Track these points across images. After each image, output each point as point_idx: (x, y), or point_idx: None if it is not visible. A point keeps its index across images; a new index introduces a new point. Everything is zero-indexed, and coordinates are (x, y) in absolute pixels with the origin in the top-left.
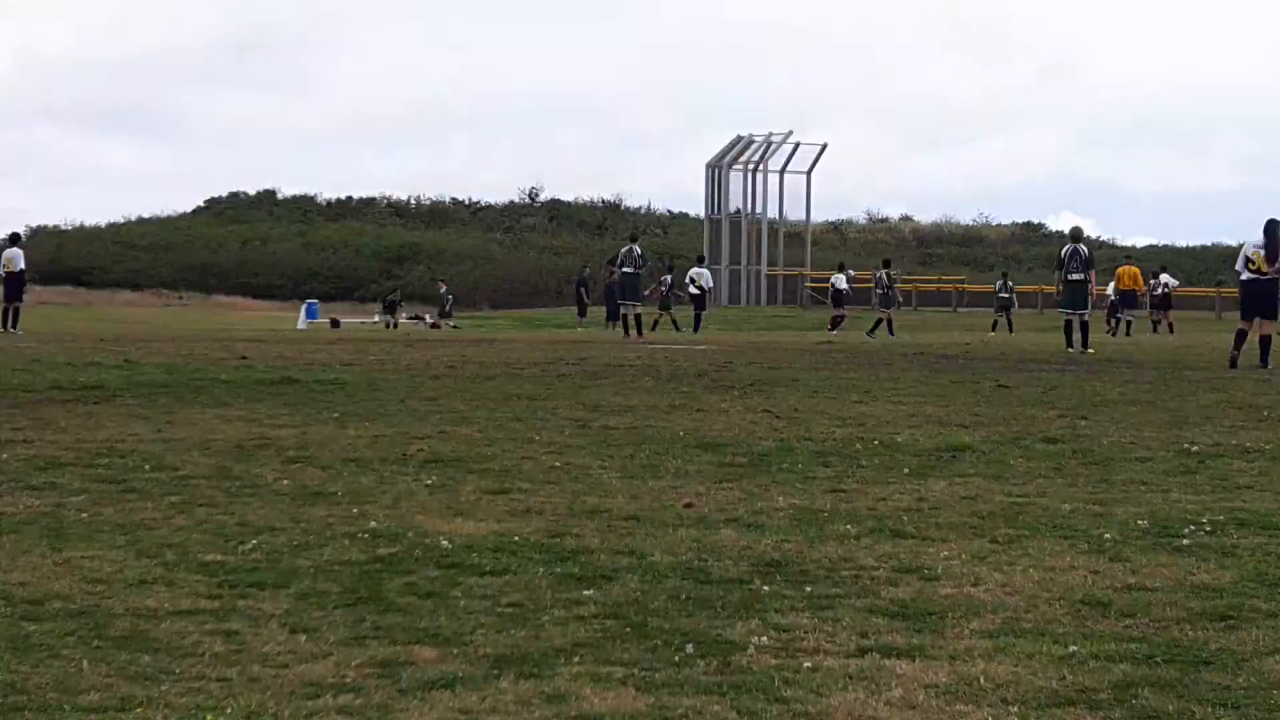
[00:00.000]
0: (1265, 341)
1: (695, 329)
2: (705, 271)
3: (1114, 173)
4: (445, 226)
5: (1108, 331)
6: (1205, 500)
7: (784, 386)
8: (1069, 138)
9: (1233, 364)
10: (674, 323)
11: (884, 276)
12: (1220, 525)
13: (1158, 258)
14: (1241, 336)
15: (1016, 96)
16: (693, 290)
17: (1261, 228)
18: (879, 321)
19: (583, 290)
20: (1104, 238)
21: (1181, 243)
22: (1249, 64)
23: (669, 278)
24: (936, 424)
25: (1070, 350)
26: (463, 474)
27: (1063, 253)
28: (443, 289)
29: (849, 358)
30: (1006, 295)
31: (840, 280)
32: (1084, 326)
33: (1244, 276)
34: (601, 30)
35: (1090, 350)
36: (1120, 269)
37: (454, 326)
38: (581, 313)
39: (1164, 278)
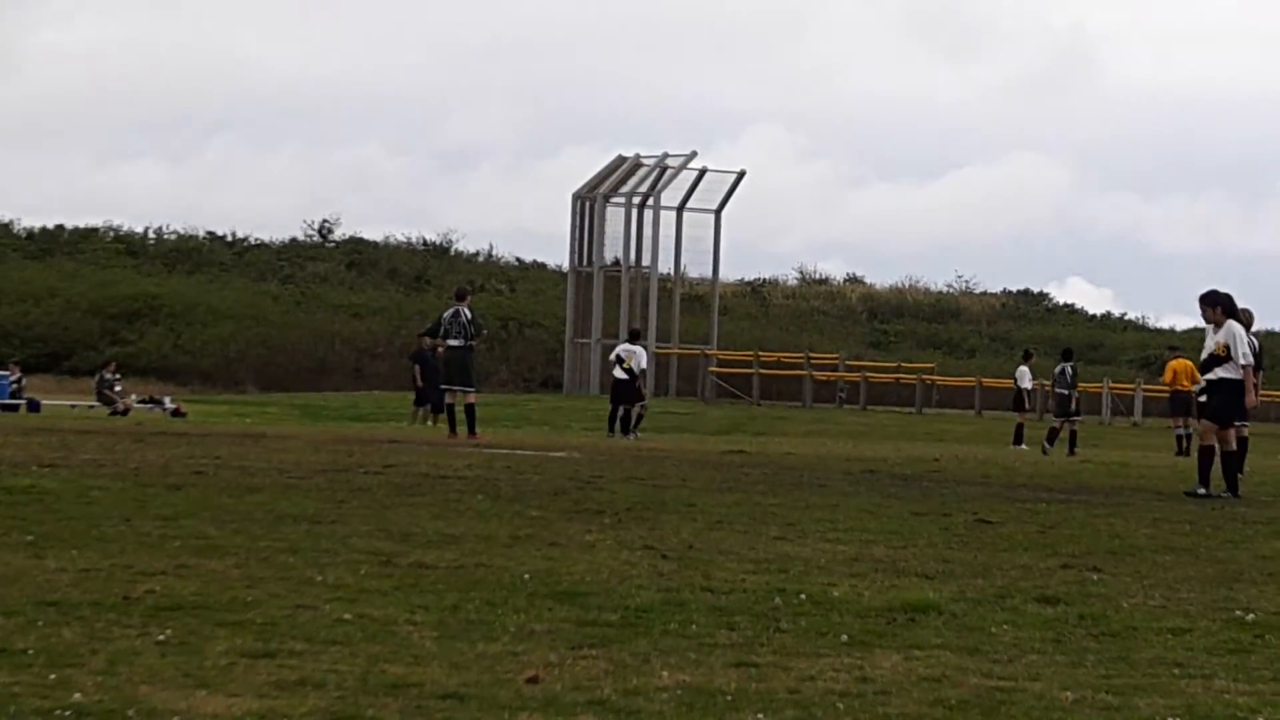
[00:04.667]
0: None
1: (629, 428)
2: (639, 349)
3: (1140, 223)
4: (197, 272)
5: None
6: (1263, 691)
7: (674, 514)
8: (1082, 170)
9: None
10: (639, 418)
11: (1067, 372)
12: None
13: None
14: None
15: (1009, 109)
16: (619, 374)
17: None
18: (1054, 432)
19: (421, 369)
20: (1130, 316)
21: None
22: None
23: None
24: (889, 573)
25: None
26: (210, 627)
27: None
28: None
29: (768, 475)
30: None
31: (1024, 376)
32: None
33: None
34: (419, 6)
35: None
36: (1173, 363)
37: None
38: (420, 399)
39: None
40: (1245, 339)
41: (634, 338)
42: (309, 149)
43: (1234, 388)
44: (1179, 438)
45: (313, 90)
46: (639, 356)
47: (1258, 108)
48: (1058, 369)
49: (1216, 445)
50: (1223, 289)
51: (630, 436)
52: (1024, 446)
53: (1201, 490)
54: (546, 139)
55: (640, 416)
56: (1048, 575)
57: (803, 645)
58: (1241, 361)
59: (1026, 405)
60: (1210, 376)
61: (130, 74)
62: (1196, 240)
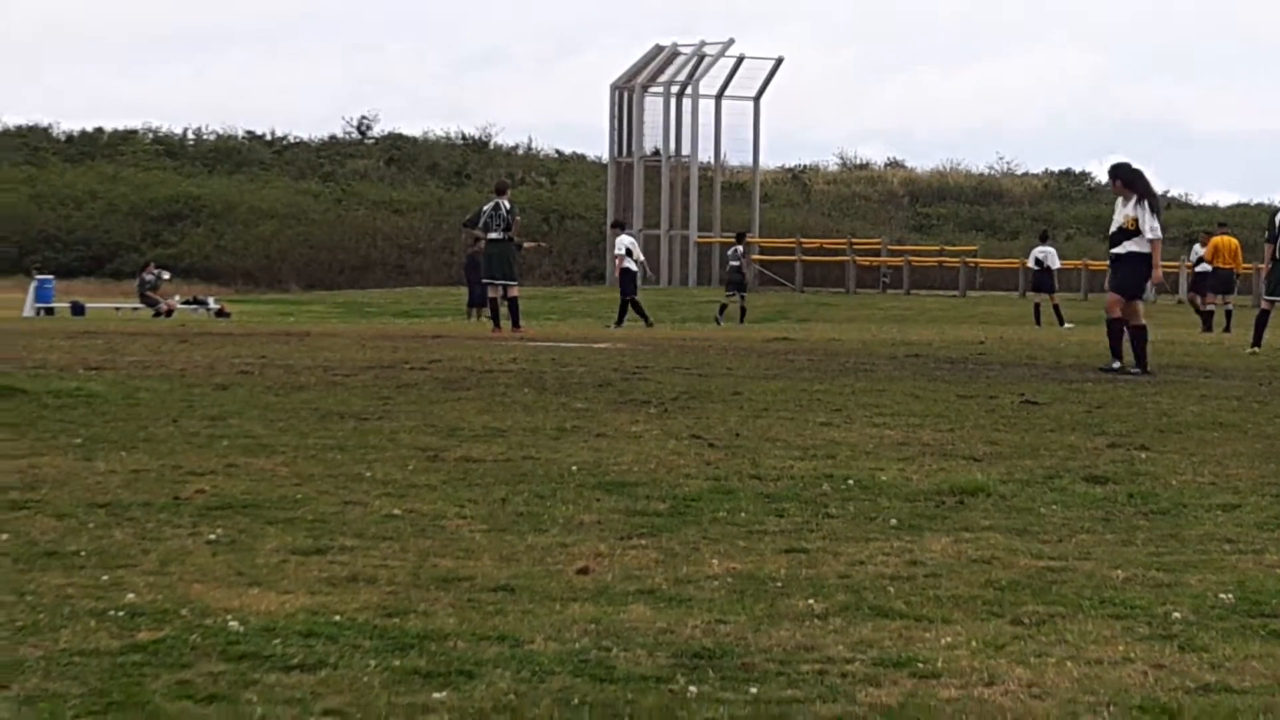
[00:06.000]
0: None
1: (619, 321)
2: (629, 239)
3: (1179, 104)
4: (237, 172)
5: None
6: None
7: (720, 402)
8: (1120, 56)
9: None
10: (742, 310)
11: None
12: None
13: (1247, 219)
14: None
15: None
16: (631, 265)
17: None
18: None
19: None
20: (1172, 193)
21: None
22: None
23: (740, 248)
24: (937, 456)
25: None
26: (260, 525)
27: (1278, 218)
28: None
29: (813, 362)
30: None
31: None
32: None
33: None
34: None
35: None
36: (1216, 239)
37: None
38: (474, 300)
39: None
40: (1154, 214)
41: (620, 228)
42: (343, 49)
43: (1142, 261)
44: (1207, 314)
45: None
46: (635, 246)
47: None
48: None
49: (1140, 321)
50: (1134, 163)
51: (619, 326)
52: (1069, 325)
53: (1116, 364)
54: (582, 30)
55: (743, 309)
56: (1096, 455)
57: (852, 530)
58: (1149, 235)
59: (1056, 285)
60: (1119, 250)
61: None
62: (1233, 119)
